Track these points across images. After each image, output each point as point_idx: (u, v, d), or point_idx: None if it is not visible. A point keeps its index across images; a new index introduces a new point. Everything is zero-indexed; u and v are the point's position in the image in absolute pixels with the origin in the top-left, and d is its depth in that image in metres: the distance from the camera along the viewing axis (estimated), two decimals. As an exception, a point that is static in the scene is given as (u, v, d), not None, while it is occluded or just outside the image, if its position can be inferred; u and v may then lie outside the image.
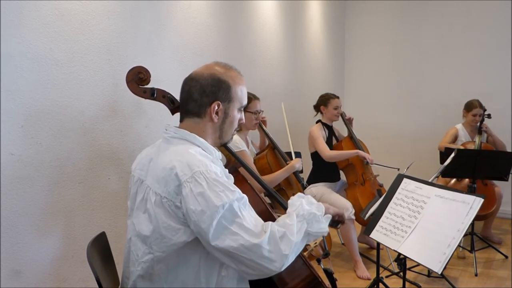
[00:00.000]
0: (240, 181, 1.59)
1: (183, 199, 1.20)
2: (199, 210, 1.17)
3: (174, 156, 1.26)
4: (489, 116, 3.83)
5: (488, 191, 3.55)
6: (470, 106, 3.85)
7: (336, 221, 1.51)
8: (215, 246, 1.18)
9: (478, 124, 3.80)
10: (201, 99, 1.35)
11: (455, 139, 3.96)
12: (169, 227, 1.23)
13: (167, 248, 1.24)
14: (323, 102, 3.40)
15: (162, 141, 1.39)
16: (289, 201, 1.38)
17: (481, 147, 3.64)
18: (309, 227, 1.29)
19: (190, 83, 1.38)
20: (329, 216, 1.38)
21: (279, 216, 1.38)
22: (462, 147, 3.70)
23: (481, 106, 3.80)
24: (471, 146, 3.72)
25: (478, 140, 3.67)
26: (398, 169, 3.02)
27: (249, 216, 1.23)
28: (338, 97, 3.42)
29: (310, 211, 1.31)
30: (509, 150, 3.98)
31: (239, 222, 1.19)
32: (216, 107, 1.35)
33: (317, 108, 3.47)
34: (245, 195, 1.26)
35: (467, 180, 3.57)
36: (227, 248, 1.17)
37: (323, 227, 1.33)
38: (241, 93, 1.41)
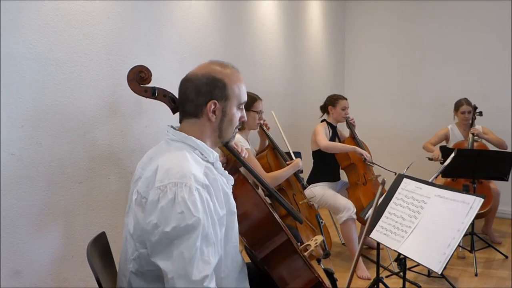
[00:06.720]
0: (241, 181, 1.59)
1: (147, 203, 1.21)
2: (153, 223, 1.17)
3: (163, 160, 1.27)
4: (480, 113, 3.84)
5: (484, 190, 3.54)
6: (457, 105, 3.89)
7: None
8: (153, 262, 1.18)
9: (469, 122, 3.81)
10: (197, 99, 1.34)
11: (446, 139, 3.97)
12: (147, 224, 1.22)
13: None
14: (332, 102, 3.41)
15: (163, 142, 1.40)
16: None
17: (473, 146, 3.64)
18: None
19: (185, 84, 1.37)
20: None
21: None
22: (451, 147, 3.70)
23: (469, 103, 3.82)
24: (463, 145, 3.72)
25: (470, 139, 3.67)
26: (395, 173, 3.04)
27: (195, 255, 1.15)
28: (346, 99, 3.43)
29: None
30: (509, 147, 3.97)
31: (183, 255, 1.14)
32: (213, 106, 1.34)
33: (324, 108, 3.48)
34: (201, 226, 1.18)
35: (462, 179, 3.57)
36: (159, 266, 1.17)
37: None
38: (238, 90, 1.38)
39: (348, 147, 3.25)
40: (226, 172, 1.44)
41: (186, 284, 1.14)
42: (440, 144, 3.98)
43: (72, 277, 2.09)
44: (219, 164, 1.41)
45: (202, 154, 1.34)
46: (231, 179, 1.44)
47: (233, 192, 1.40)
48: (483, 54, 4.52)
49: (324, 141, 3.25)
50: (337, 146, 3.28)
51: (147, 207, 1.21)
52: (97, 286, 1.29)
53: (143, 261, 1.27)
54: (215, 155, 1.39)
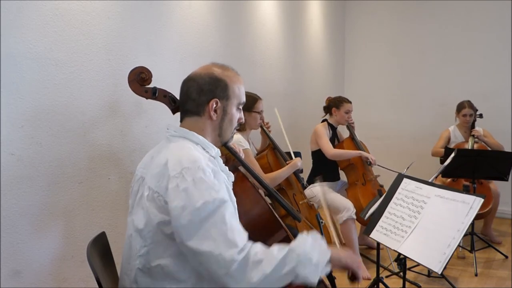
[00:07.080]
0: (240, 179, 1.60)
1: (168, 193, 1.21)
2: (180, 205, 1.17)
3: (170, 152, 1.29)
4: (481, 116, 3.85)
5: (484, 190, 3.54)
6: (460, 107, 3.89)
7: (353, 276, 1.41)
8: (187, 246, 1.16)
9: (470, 124, 3.82)
10: (199, 98, 1.38)
11: (448, 141, 3.98)
12: (160, 219, 1.24)
13: (161, 238, 1.25)
14: (336, 104, 3.42)
15: (164, 140, 1.42)
16: (300, 235, 1.28)
17: (473, 148, 3.65)
18: (298, 269, 1.18)
19: (188, 83, 1.41)
20: (328, 270, 1.26)
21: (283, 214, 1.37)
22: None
23: (471, 106, 3.82)
24: (463, 147, 3.73)
25: (471, 141, 3.68)
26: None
27: (231, 225, 1.18)
28: (351, 102, 3.44)
29: (307, 255, 1.20)
30: (508, 148, 3.98)
31: (221, 228, 1.16)
32: (215, 105, 1.38)
33: (328, 109, 3.48)
34: (228, 201, 1.22)
35: (462, 179, 3.58)
36: (198, 251, 1.15)
37: (313, 277, 1.20)
38: (238, 91, 1.43)
39: (354, 152, 3.27)
40: (227, 168, 1.45)
41: (235, 252, 1.13)
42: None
43: (72, 277, 2.09)
44: (220, 160, 1.43)
45: (204, 149, 1.37)
46: (231, 176, 1.46)
47: (233, 189, 1.42)
48: (483, 54, 4.52)
49: (330, 150, 3.25)
50: (343, 153, 3.29)
51: (168, 196, 1.21)
52: (97, 286, 1.29)
53: (152, 257, 1.27)
54: (216, 150, 1.42)
